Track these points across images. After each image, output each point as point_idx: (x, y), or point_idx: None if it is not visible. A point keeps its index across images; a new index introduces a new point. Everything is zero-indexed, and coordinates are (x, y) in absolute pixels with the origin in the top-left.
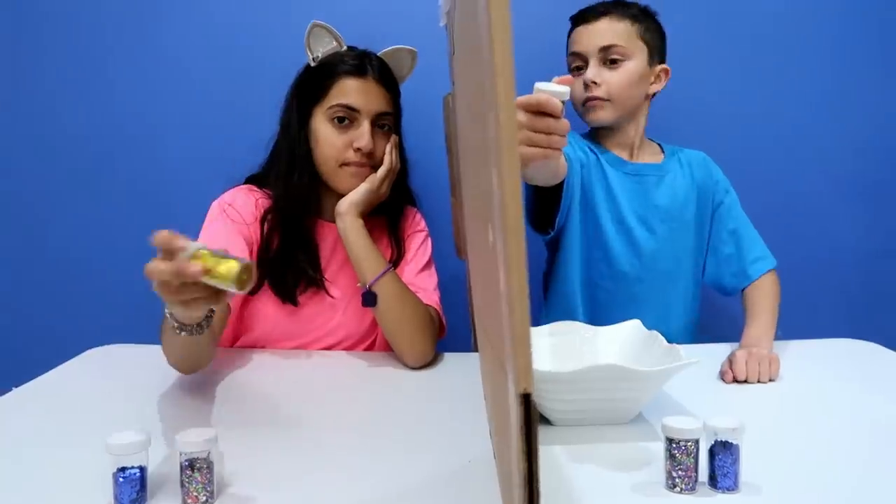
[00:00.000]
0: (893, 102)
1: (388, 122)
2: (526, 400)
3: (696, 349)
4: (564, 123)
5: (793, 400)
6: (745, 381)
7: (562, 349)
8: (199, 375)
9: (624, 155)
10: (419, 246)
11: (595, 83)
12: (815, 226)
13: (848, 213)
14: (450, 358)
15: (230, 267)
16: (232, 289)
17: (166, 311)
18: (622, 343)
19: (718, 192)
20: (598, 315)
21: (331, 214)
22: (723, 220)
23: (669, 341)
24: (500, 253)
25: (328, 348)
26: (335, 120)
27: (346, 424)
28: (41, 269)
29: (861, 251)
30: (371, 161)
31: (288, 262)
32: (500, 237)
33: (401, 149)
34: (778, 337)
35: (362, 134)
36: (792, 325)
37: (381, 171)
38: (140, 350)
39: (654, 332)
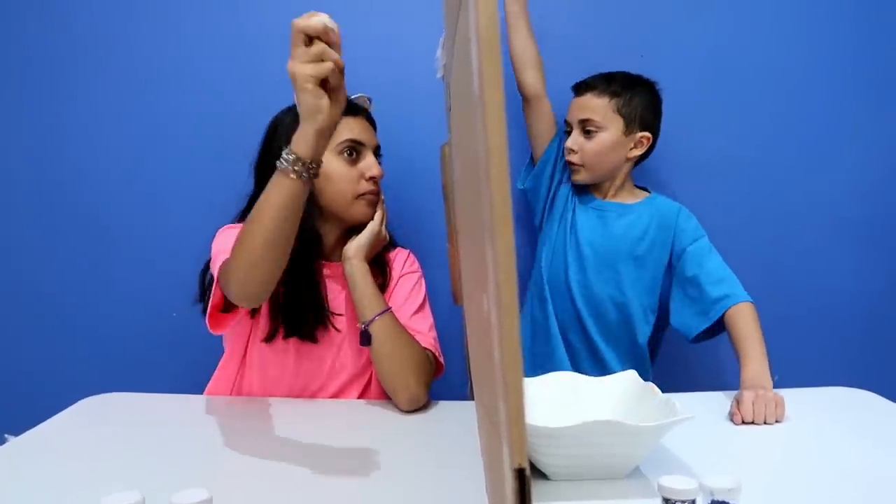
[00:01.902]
0: (887, 144)
1: (380, 155)
2: (520, 474)
3: (690, 398)
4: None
5: (791, 454)
6: (753, 422)
7: (556, 401)
8: (195, 426)
9: (598, 195)
10: (412, 287)
11: (573, 150)
12: (810, 270)
13: (844, 257)
14: (446, 406)
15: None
16: None
17: (284, 158)
18: (618, 395)
19: (683, 240)
20: (559, 319)
21: (330, 252)
22: (686, 266)
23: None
24: (495, 327)
25: (330, 387)
26: (345, 154)
27: (344, 477)
28: (36, 315)
29: (858, 295)
30: (378, 188)
31: (301, 303)
32: (495, 312)
33: None
34: (773, 384)
35: (373, 163)
36: (788, 371)
37: (378, 216)
38: (137, 399)
39: (650, 384)
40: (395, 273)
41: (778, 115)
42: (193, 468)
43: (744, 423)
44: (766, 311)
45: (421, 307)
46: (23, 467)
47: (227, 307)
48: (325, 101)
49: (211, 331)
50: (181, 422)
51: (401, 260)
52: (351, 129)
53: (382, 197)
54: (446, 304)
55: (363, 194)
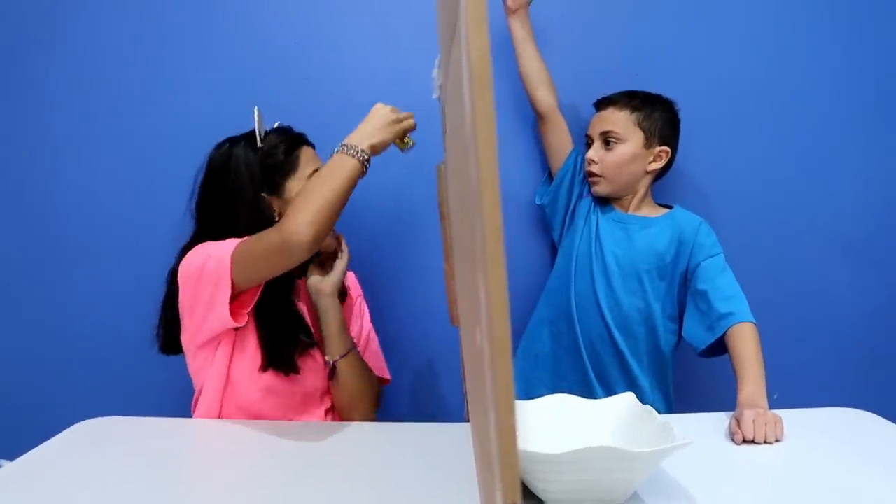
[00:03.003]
0: (887, 160)
1: None
2: None
3: (689, 419)
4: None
5: (792, 477)
6: (753, 441)
7: (554, 425)
8: (190, 450)
9: (618, 206)
10: (361, 312)
11: (593, 161)
12: (809, 287)
13: (843, 274)
14: (443, 429)
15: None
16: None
17: (355, 149)
18: (615, 419)
19: (699, 255)
20: (583, 331)
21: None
22: (699, 280)
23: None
24: (487, 364)
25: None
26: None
27: (342, 501)
28: (30, 337)
29: (857, 312)
30: None
31: (282, 332)
32: (488, 348)
33: None
34: (773, 402)
35: None
36: (786, 390)
37: (346, 251)
38: (131, 423)
39: (648, 407)
40: (354, 293)
41: (777, 132)
42: (191, 493)
43: (744, 441)
44: (765, 327)
45: (372, 334)
46: (18, 493)
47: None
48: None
49: (235, 322)
50: (176, 446)
51: (353, 280)
52: (309, 159)
53: (342, 239)
54: (443, 322)
55: None
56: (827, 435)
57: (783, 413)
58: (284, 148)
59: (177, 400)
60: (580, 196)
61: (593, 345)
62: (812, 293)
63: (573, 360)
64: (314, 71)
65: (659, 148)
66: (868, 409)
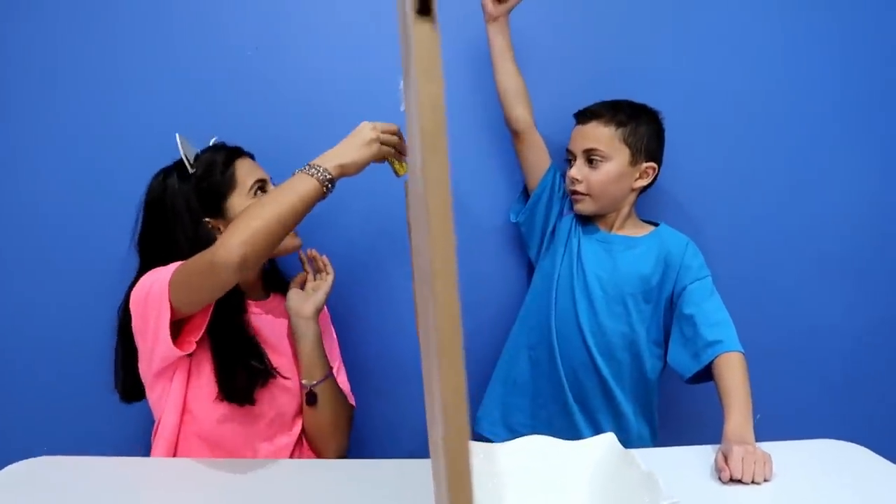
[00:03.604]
0: (870, 177)
1: None
2: None
3: (671, 454)
4: None
5: None
6: (740, 480)
7: (528, 470)
8: (137, 495)
9: (602, 226)
10: (326, 327)
11: (577, 179)
12: (792, 306)
13: (827, 293)
14: (407, 466)
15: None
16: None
17: (318, 169)
18: (595, 465)
19: (686, 277)
20: (563, 357)
21: (252, 291)
22: (684, 305)
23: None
24: (437, 405)
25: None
26: (258, 193)
27: None
28: None
29: (841, 332)
30: None
31: (234, 359)
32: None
33: None
34: (756, 422)
35: None
36: (769, 412)
37: (331, 271)
38: (70, 463)
39: (630, 452)
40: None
41: (759, 145)
42: None
43: (731, 479)
44: (747, 347)
45: (336, 352)
46: None
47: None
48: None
49: (179, 350)
50: (121, 489)
51: None
52: (248, 171)
53: (328, 262)
54: (413, 345)
55: None
56: (816, 471)
57: (768, 446)
58: (220, 166)
59: (127, 436)
60: (560, 214)
61: (575, 371)
62: (796, 312)
63: (553, 387)
64: (276, 77)
65: (646, 164)
66: (852, 433)
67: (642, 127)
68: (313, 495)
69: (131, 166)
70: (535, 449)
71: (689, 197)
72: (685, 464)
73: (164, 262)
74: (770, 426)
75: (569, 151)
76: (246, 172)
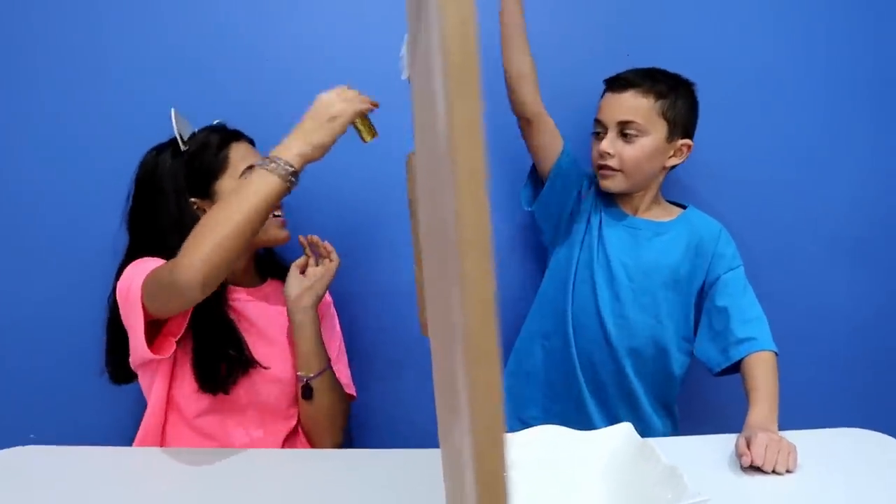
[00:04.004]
0: (885, 158)
1: None
2: None
3: (690, 443)
4: None
5: None
6: (760, 469)
7: (540, 462)
8: (124, 484)
9: (629, 211)
10: (331, 317)
11: (609, 154)
12: (804, 289)
13: (839, 276)
14: (417, 456)
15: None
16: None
17: (278, 163)
18: (610, 457)
19: (719, 267)
20: (580, 348)
21: (243, 277)
22: (718, 295)
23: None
24: (462, 387)
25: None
26: None
27: None
28: None
29: (853, 315)
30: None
31: (212, 349)
32: (462, 364)
33: None
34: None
35: None
36: (785, 405)
37: (334, 266)
38: (56, 453)
39: (648, 443)
40: (326, 298)
41: (770, 128)
42: None
43: (751, 466)
44: None
45: (340, 345)
46: None
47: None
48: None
49: (155, 355)
50: (107, 479)
51: None
52: (243, 156)
53: (332, 249)
54: (414, 332)
55: (273, 215)
56: (840, 461)
57: (790, 434)
58: (213, 148)
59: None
60: (578, 198)
61: (592, 363)
62: (808, 295)
63: (567, 379)
64: (267, 50)
65: (681, 141)
66: (871, 421)
67: (681, 100)
68: (311, 485)
69: (126, 143)
70: (548, 439)
71: (696, 179)
72: (703, 454)
73: (152, 241)
74: (786, 415)
75: (598, 122)
76: (240, 157)
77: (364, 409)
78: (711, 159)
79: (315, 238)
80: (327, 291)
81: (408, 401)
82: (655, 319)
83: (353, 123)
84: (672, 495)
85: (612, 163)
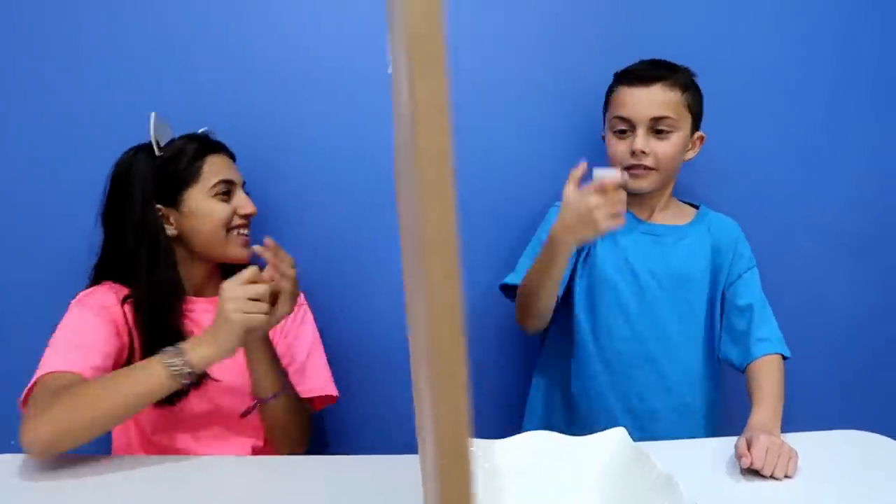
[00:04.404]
0: (885, 153)
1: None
2: None
3: (689, 447)
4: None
5: None
6: (759, 473)
7: (529, 473)
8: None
9: (642, 215)
10: (301, 323)
11: (644, 153)
12: (803, 289)
13: (839, 272)
14: (396, 462)
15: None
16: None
17: (175, 363)
18: (604, 467)
19: (740, 266)
20: (615, 374)
21: (203, 288)
22: (739, 295)
23: (676, 412)
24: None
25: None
26: (219, 196)
27: None
28: None
29: (855, 317)
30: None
31: None
32: (426, 355)
33: None
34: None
35: (245, 201)
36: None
37: (287, 297)
38: (28, 461)
39: (643, 449)
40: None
41: (769, 125)
42: None
43: (749, 469)
44: None
45: (314, 344)
46: None
47: None
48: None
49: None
50: (86, 486)
51: None
52: (217, 169)
53: (294, 273)
54: (401, 329)
55: (237, 233)
56: (841, 464)
57: (787, 437)
58: (188, 156)
59: None
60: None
61: (631, 378)
62: (807, 292)
63: (606, 402)
64: (253, 48)
65: (697, 134)
66: (869, 423)
67: (698, 90)
68: (292, 493)
69: (108, 143)
70: (539, 445)
71: (694, 176)
72: (699, 458)
73: (118, 240)
74: (784, 415)
75: (622, 119)
76: (214, 170)
77: (347, 411)
78: (709, 156)
79: (270, 241)
80: (301, 295)
81: (392, 404)
82: (693, 329)
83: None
84: (667, 503)
85: (647, 162)
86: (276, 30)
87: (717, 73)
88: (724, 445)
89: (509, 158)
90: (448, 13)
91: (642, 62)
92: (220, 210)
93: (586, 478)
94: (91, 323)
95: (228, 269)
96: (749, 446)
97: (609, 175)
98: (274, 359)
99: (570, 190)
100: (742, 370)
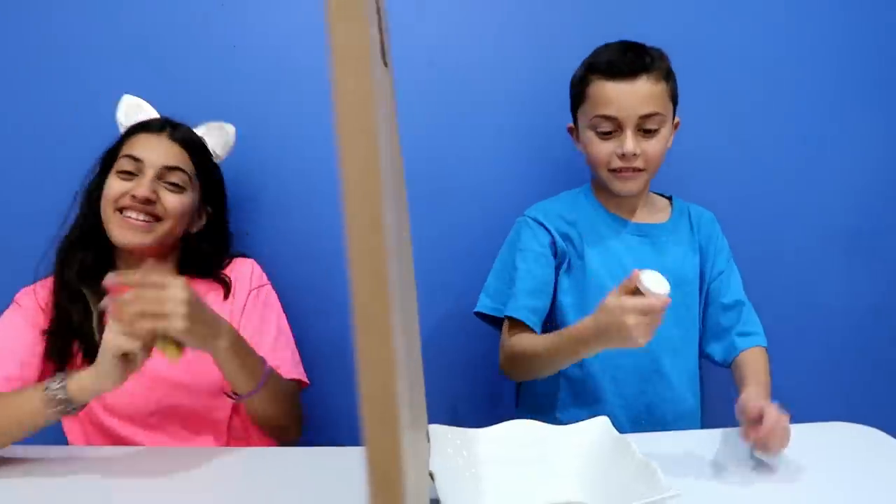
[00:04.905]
0: (880, 148)
1: (179, 181)
2: None
3: (670, 439)
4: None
5: None
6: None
7: (509, 462)
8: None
9: (625, 213)
10: (263, 306)
11: (636, 154)
12: (797, 282)
13: (833, 269)
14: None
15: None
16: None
17: (57, 385)
18: (586, 452)
19: (720, 260)
20: (621, 388)
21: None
22: (722, 291)
23: (679, 417)
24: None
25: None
26: (121, 173)
27: None
28: None
29: (848, 310)
30: (154, 211)
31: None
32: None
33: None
34: None
35: (146, 184)
36: (774, 399)
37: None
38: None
39: (624, 438)
40: (241, 290)
41: (762, 119)
42: None
43: (746, 438)
44: None
45: (279, 330)
46: None
47: None
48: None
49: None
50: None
51: (245, 273)
52: (133, 146)
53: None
54: None
55: (121, 209)
56: (832, 456)
57: None
58: (124, 134)
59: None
60: (564, 256)
61: (643, 391)
62: (802, 289)
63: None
64: (239, 38)
65: (675, 120)
66: (861, 416)
67: (674, 74)
68: (269, 483)
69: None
70: (520, 434)
71: (685, 170)
72: (683, 450)
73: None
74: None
75: (606, 119)
76: (128, 147)
77: (324, 402)
78: (701, 150)
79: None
80: (262, 277)
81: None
82: (693, 329)
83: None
84: (645, 489)
85: (638, 163)
86: (270, 26)
87: (709, 67)
88: (709, 437)
89: (487, 157)
90: (426, 12)
91: (613, 49)
92: (111, 186)
93: (567, 465)
94: (16, 326)
95: (187, 257)
96: (761, 416)
97: (659, 290)
98: (244, 356)
99: (615, 299)
100: (726, 365)
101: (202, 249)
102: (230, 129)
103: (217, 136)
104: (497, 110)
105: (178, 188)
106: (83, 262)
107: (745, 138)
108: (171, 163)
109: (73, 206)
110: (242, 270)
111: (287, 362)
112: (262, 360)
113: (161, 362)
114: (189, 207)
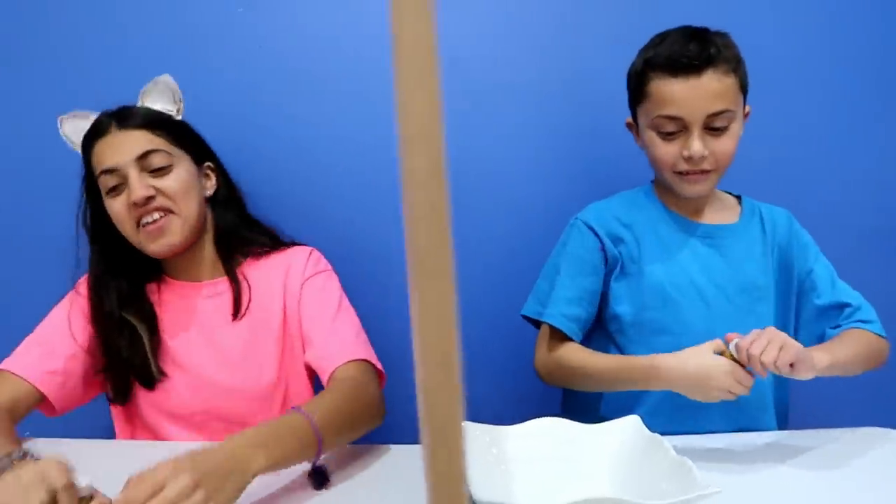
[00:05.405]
0: None
1: (160, 162)
2: None
3: (703, 442)
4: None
5: None
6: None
7: (544, 455)
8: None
9: (689, 214)
10: (321, 289)
11: (704, 156)
12: None
13: (867, 271)
14: (398, 452)
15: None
16: None
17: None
18: (618, 449)
19: (807, 259)
20: (680, 409)
21: (191, 271)
22: (818, 291)
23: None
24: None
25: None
26: (110, 193)
27: None
28: None
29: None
30: (160, 204)
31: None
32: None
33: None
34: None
35: (135, 186)
36: (802, 404)
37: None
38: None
39: (657, 436)
40: (294, 280)
41: (792, 113)
42: None
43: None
44: None
45: (339, 309)
46: None
47: None
48: None
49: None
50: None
51: (299, 262)
52: (100, 159)
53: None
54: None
55: (141, 225)
56: (863, 461)
57: (806, 434)
58: (84, 151)
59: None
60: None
61: (706, 408)
62: None
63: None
64: (265, 39)
65: (746, 109)
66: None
67: (742, 60)
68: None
69: None
70: (550, 432)
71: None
72: (716, 450)
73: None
74: (807, 414)
75: (670, 119)
76: (95, 161)
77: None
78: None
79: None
80: (320, 262)
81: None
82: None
83: None
84: (680, 488)
85: (706, 165)
86: (287, 26)
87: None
88: (742, 439)
89: (508, 156)
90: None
91: (673, 39)
92: (113, 207)
93: (598, 464)
94: (62, 320)
95: (225, 251)
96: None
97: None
98: (280, 447)
99: (728, 365)
100: None
101: (227, 221)
102: (165, 79)
103: (161, 94)
104: (522, 107)
105: (164, 169)
106: (119, 290)
107: (772, 138)
108: (140, 150)
109: (77, 240)
110: (297, 259)
111: (348, 343)
112: (306, 429)
113: (210, 365)
114: (187, 178)
